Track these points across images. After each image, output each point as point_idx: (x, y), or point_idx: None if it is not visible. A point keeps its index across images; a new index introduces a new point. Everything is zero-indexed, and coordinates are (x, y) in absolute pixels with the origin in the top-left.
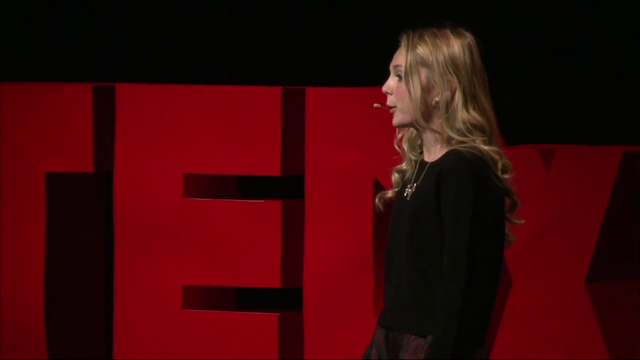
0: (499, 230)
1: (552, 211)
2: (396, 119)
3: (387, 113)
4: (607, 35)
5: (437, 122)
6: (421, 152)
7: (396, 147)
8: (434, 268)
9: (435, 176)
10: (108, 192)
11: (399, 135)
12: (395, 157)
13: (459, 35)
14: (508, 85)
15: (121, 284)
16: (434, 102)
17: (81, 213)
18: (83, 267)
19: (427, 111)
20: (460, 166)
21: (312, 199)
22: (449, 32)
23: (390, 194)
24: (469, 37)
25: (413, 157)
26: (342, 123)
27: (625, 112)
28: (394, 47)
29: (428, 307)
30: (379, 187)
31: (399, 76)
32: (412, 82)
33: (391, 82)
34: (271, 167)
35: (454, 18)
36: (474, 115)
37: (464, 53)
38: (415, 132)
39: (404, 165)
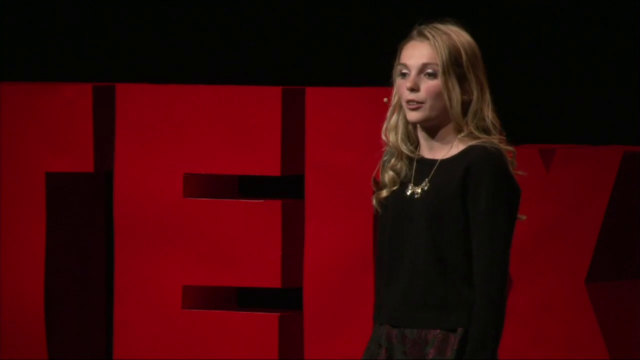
0: (514, 225)
1: (552, 211)
2: (420, 115)
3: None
4: (607, 35)
5: (464, 120)
6: (413, 149)
7: (383, 137)
8: (455, 264)
9: (460, 171)
10: (108, 192)
11: (385, 125)
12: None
13: (465, 32)
14: (508, 85)
15: (121, 284)
16: (466, 100)
17: (81, 213)
18: (83, 266)
19: (461, 109)
20: (491, 161)
21: (312, 199)
22: (460, 29)
23: (385, 193)
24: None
25: (405, 152)
26: (342, 123)
27: (625, 112)
28: (394, 47)
29: (453, 303)
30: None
31: (430, 74)
32: (451, 81)
33: (417, 79)
34: (271, 167)
35: (454, 18)
36: (494, 114)
37: (479, 51)
38: (403, 124)
39: (397, 163)
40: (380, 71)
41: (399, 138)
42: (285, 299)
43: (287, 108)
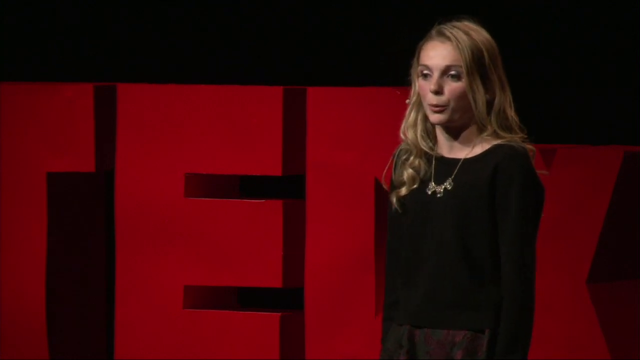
0: (539, 225)
1: (553, 211)
2: (444, 117)
3: (388, 113)
4: (607, 35)
5: (487, 119)
6: (432, 147)
7: (401, 134)
8: (482, 263)
9: (488, 171)
10: (109, 192)
11: (403, 123)
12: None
13: (484, 30)
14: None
15: (122, 284)
16: (489, 100)
17: (82, 213)
18: (84, 266)
19: (486, 109)
20: (520, 160)
21: (313, 199)
22: (478, 27)
23: (405, 191)
24: None
25: (425, 149)
26: (344, 123)
27: (626, 112)
28: (394, 47)
29: (480, 303)
30: (380, 187)
31: (453, 76)
32: (475, 82)
33: (441, 81)
34: (272, 166)
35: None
36: (515, 112)
37: (497, 48)
38: (421, 122)
39: (416, 161)
40: (380, 71)
41: (418, 135)
42: (286, 299)
43: (288, 108)
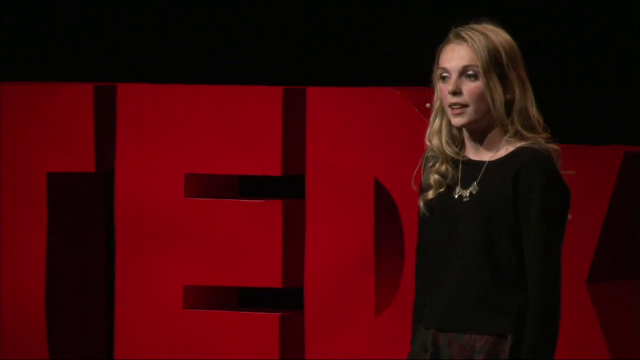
0: (565, 227)
1: None
2: (465, 119)
3: (388, 113)
4: (607, 35)
5: (508, 120)
6: (458, 151)
7: (426, 141)
8: (506, 267)
9: (510, 174)
10: (109, 192)
11: (429, 130)
12: (431, 153)
13: (503, 30)
14: None
15: (122, 284)
16: (508, 100)
17: (82, 213)
18: (84, 267)
19: (505, 109)
20: (542, 163)
21: (313, 199)
22: (497, 28)
23: (432, 195)
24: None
25: (450, 154)
26: (343, 123)
27: (626, 112)
28: (394, 47)
29: (503, 306)
30: (379, 187)
31: (470, 76)
32: (492, 81)
33: (459, 82)
34: (272, 167)
35: (455, 18)
36: (537, 111)
37: (518, 48)
38: (446, 127)
39: (442, 166)
40: (380, 71)
41: (443, 141)
42: (286, 299)
43: (288, 108)
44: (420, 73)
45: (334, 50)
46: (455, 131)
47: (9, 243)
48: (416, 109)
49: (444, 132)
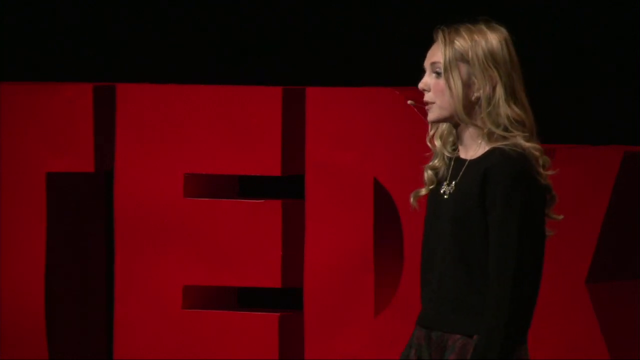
0: (542, 228)
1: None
2: (432, 115)
3: (388, 113)
4: (607, 35)
5: (478, 118)
6: (454, 149)
7: (428, 143)
8: (479, 268)
9: (479, 175)
10: (108, 192)
11: (431, 132)
12: (427, 154)
13: (494, 29)
14: None
15: (122, 284)
16: (474, 98)
17: (82, 213)
18: (83, 267)
19: (469, 106)
20: (507, 166)
21: (313, 199)
22: (484, 27)
23: (424, 191)
24: (504, 32)
25: (446, 154)
26: (343, 123)
27: (625, 112)
28: (394, 47)
29: (474, 307)
30: (379, 187)
31: (437, 73)
32: (453, 77)
33: (428, 79)
34: (271, 167)
35: (456, 18)
36: (515, 110)
37: (502, 47)
38: (447, 128)
39: (436, 162)
40: (380, 71)
41: (442, 142)
42: (285, 299)
43: (288, 108)
44: (420, 73)
45: (334, 51)
46: (454, 131)
47: (9, 243)
48: (416, 109)
49: (444, 133)
